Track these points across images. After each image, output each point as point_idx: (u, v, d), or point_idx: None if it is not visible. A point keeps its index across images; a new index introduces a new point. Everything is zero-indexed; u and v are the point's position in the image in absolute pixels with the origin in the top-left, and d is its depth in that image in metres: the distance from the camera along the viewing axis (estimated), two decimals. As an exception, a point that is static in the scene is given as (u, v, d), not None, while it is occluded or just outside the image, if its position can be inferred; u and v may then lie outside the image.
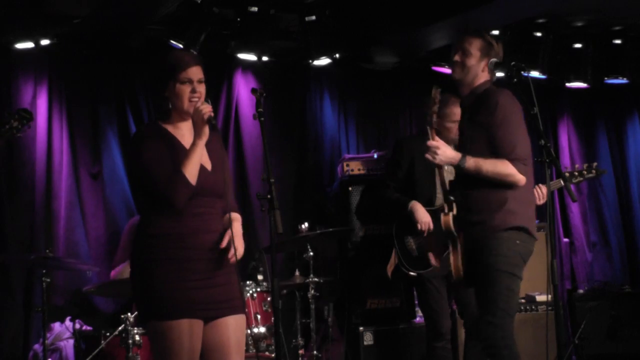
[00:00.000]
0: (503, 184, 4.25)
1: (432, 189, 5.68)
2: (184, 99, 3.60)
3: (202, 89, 3.64)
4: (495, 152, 4.26)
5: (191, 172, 3.52)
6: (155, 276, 3.50)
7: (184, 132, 3.66)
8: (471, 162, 4.25)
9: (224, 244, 3.57)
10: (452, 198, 4.39)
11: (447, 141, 5.67)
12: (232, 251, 3.57)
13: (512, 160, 4.24)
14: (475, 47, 4.40)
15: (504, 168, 4.24)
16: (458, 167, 4.27)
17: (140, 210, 3.76)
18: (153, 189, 3.53)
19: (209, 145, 3.68)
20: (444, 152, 4.28)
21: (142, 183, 3.59)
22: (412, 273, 5.67)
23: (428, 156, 4.27)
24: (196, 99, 3.59)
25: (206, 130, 3.56)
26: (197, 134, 3.56)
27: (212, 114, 3.58)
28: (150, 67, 3.69)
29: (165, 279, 3.49)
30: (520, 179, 4.25)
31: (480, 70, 4.43)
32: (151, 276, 3.51)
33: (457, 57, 4.42)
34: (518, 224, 4.28)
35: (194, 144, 3.55)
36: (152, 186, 3.53)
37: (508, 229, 4.27)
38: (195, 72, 3.63)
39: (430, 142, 4.28)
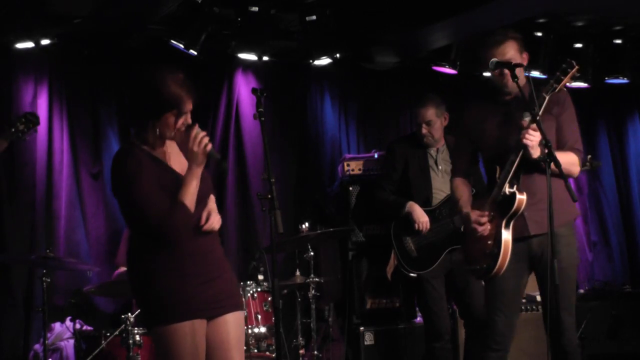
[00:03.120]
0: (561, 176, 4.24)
1: (428, 189, 5.70)
2: (173, 129, 3.50)
3: (189, 117, 3.54)
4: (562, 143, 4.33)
5: (191, 201, 3.46)
6: (156, 283, 3.48)
7: (165, 150, 3.57)
8: (558, 155, 4.19)
9: (204, 219, 3.54)
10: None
11: (430, 143, 5.72)
12: (209, 221, 3.54)
13: (575, 150, 4.34)
14: (515, 49, 4.39)
15: (574, 157, 4.32)
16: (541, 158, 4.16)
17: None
18: (149, 223, 3.42)
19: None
20: (537, 140, 4.18)
21: (135, 216, 3.47)
22: (412, 274, 5.67)
23: (524, 140, 4.13)
24: (183, 127, 3.50)
25: (204, 159, 3.49)
26: (194, 162, 3.47)
27: (211, 145, 3.50)
28: (133, 90, 3.47)
29: (166, 284, 3.47)
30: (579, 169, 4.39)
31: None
32: (151, 283, 3.49)
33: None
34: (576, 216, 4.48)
35: (191, 172, 3.46)
36: (148, 220, 3.42)
37: (573, 219, 4.46)
38: (189, 105, 3.51)
39: (532, 127, 4.14)
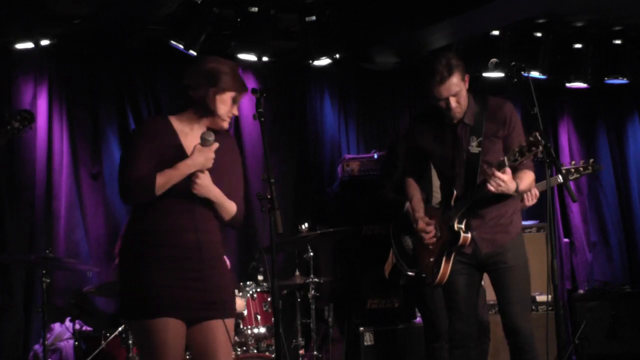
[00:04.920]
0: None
1: (429, 189, 5.69)
2: (226, 110, 3.61)
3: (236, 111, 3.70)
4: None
5: (163, 184, 3.46)
6: (140, 273, 3.46)
7: (190, 131, 3.61)
8: (521, 185, 4.28)
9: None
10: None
11: None
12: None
13: (529, 167, 4.34)
14: (459, 79, 4.31)
15: (532, 176, 4.34)
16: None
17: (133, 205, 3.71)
18: (119, 177, 3.51)
19: (220, 148, 3.61)
20: (509, 185, 4.21)
21: (120, 170, 3.55)
22: (410, 273, 5.67)
23: (491, 187, 4.18)
24: (230, 115, 3.65)
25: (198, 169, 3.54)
26: (193, 165, 3.50)
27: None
28: (205, 62, 3.63)
29: (151, 277, 3.44)
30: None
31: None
32: (136, 273, 3.47)
33: (453, 104, 4.32)
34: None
35: (184, 165, 3.48)
36: (120, 174, 3.51)
37: (521, 231, 4.54)
38: (239, 100, 3.68)
39: (500, 175, 4.17)
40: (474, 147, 4.34)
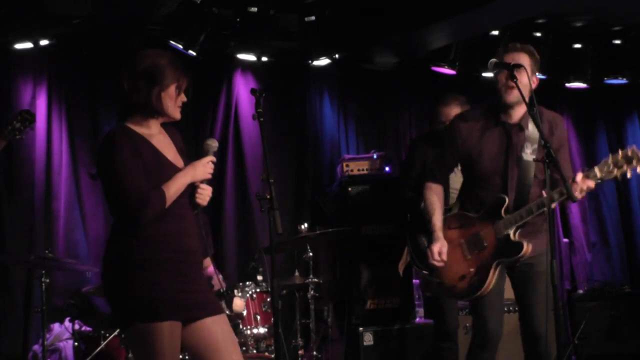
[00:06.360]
0: None
1: (446, 188, 5.66)
2: (174, 104, 3.55)
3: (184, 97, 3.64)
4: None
5: (172, 196, 3.46)
6: (139, 277, 3.43)
7: (152, 131, 3.58)
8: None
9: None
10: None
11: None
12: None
13: None
14: (530, 64, 4.23)
15: None
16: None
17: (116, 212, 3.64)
18: (123, 198, 3.43)
19: (177, 144, 3.64)
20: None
21: (113, 190, 3.49)
22: (425, 271, 5.67)
23: (577, 195, 4.11)
24: (180, 103, 3.59)
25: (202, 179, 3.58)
26: (193, 175, 3.53)
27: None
28: (138, 63, 3.57)
29: (150, 280, 3.43)
30: None
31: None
32: (134, 277, 3.44)
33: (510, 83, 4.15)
34: None
35: (186, 174, 3.51)
36: (123, 195, 3.43)
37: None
38: (185, 83, 3.60)
39: (588, 182, 4.18)
40: (527, 155, 4.23)
